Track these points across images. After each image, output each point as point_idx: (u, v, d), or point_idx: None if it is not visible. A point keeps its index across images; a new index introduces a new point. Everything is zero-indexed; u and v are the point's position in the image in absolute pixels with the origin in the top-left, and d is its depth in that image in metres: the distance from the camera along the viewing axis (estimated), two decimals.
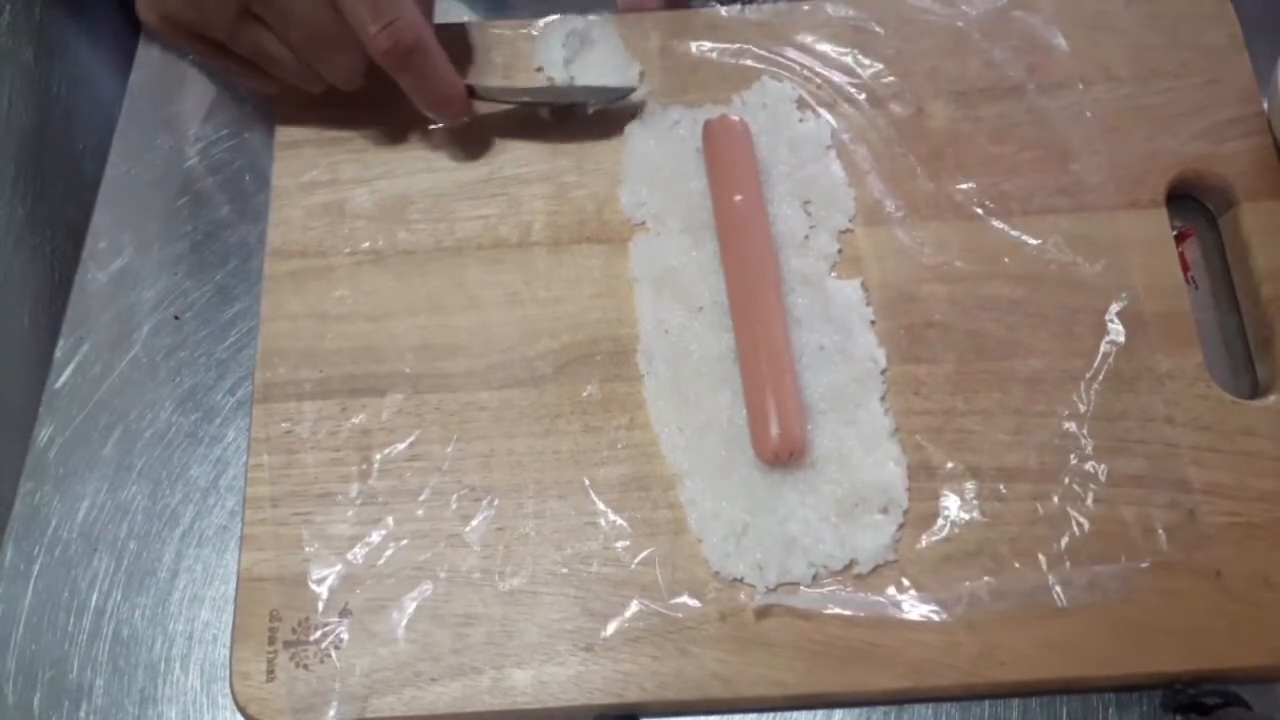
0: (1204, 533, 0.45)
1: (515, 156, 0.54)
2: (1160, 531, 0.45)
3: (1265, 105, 0.53)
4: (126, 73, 0.59)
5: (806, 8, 0.56)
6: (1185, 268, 0.51)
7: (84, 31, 0.61)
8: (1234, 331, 0.51)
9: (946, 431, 0.47)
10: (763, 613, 0.44)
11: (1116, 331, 0.48)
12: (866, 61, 0.55)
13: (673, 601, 0.44)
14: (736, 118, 0.52)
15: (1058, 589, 0.44)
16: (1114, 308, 0.49)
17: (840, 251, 0.51)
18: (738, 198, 0.49)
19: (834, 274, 0.50)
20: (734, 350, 0.48)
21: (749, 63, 0.55)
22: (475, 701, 0.43)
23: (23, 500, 0.49)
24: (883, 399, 0.48)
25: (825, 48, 0.55)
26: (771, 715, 0.44)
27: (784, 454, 0.45)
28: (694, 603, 0.44)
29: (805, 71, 0.54)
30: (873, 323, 0.49)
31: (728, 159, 0.51)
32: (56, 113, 0.58)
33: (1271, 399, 0.48)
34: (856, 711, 0.44)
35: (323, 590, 0.45)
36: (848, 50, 0.55)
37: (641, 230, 0.51)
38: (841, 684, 0.43)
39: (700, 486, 0.46)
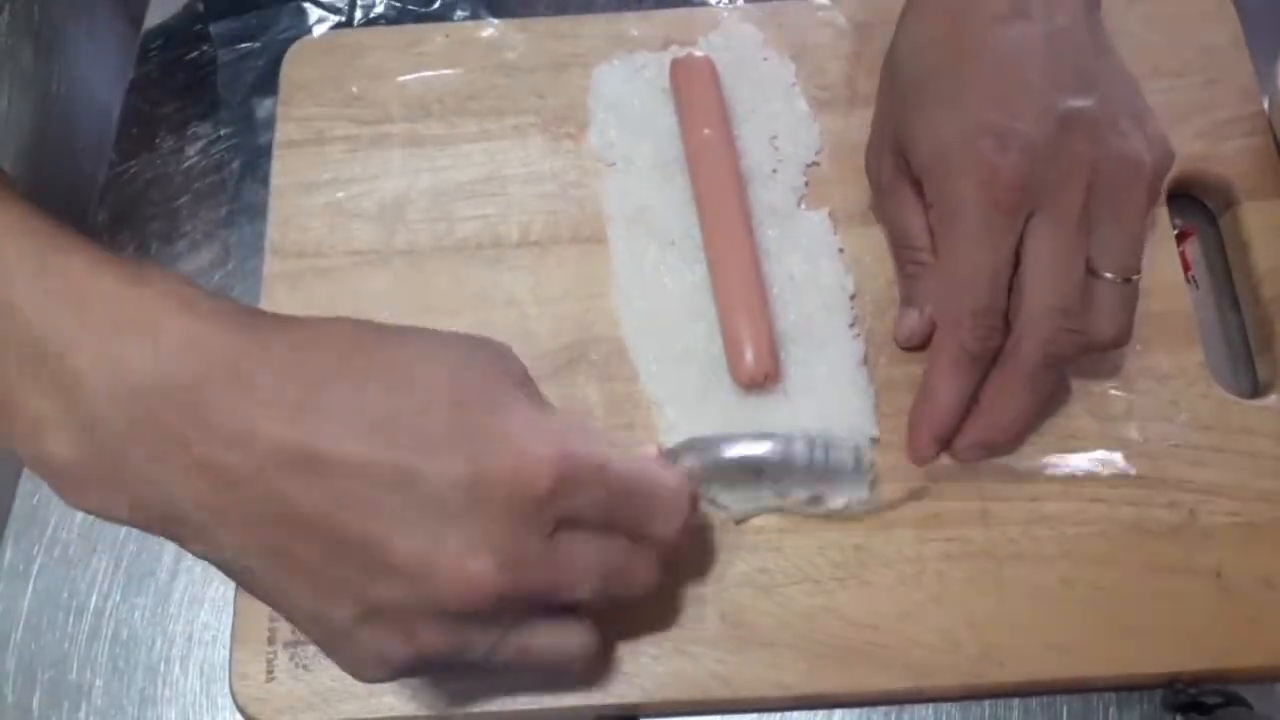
0: (1204, 533, 0.45)
1: (515, 156, 0.54)
2: (1161, 532, 0.45)
3: (1265, 105, 0.53)
4: (126, 73, 0.59)
5: None
6: (1186, 267, 0.51)
7: (84, 31, 0.61)
8: (1234, 331, 0.51)
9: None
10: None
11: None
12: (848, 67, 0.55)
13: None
14: (703, 54, 0.53)
15: (1057, 589, 0.44)
16: None
17: (807, 184, 0.52)
18: (706, 131, 0.50)
19: (802, 206, 0.51)
20: (708, 281, 0.49)
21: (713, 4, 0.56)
22: (475, 702, 0.43)
23: (22, 500, 0.49)
24: (851, 325, 0.48)
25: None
26: (771, 715, 0.44)
27: (759, 377, 0.46)
28: None
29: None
30: (840, 250, 0.50)
31: (696, 95, 0.52)
32: (56, 113, 0.58)
33: (1272, 399, 0.48)
34: (857, 712, 0.44)
35: None
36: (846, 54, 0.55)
37: (613, 170, 0.52)
38: (842, 684, 0.43)
39: (678, 412, 0.47)
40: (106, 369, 0.32)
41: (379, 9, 0.56)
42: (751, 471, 0.44)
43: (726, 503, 0.45)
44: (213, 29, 0.58)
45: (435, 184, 0.53)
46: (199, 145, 0.56)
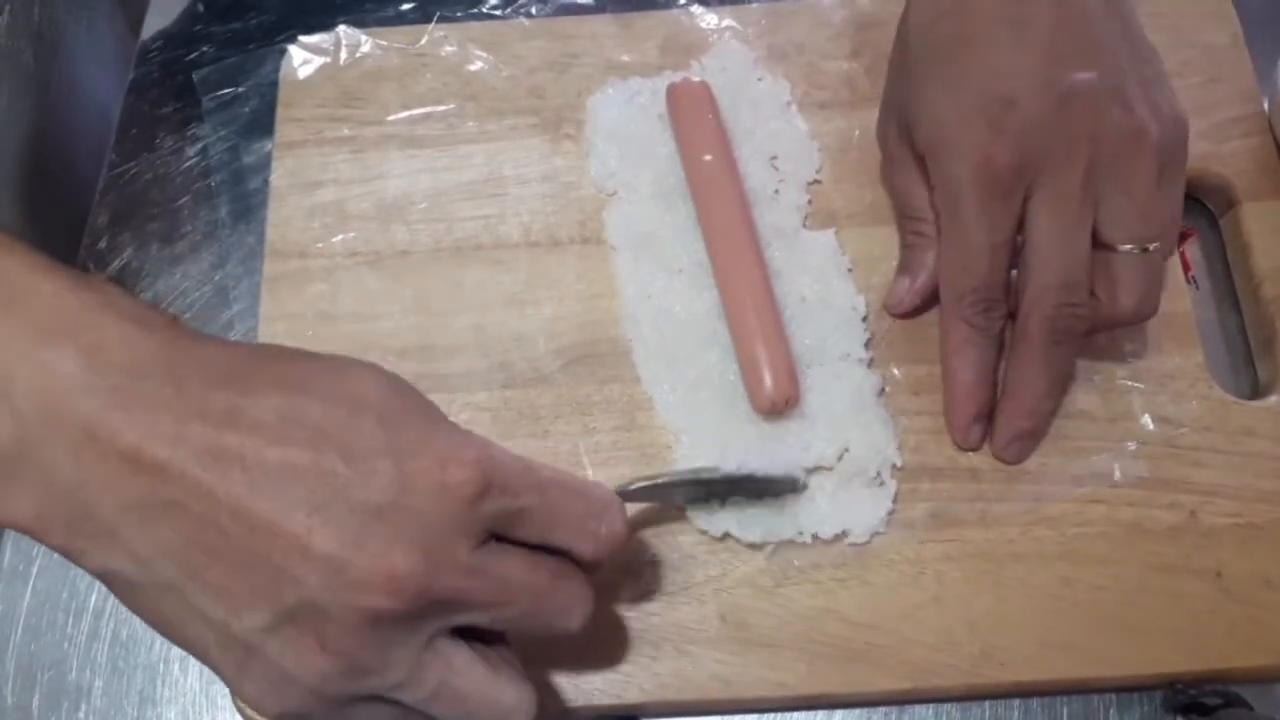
0: (1205, 533, 0.45)
1: (515, 157, 0.54)
2: (1161, 532, 0.45)
3: (1266, 105, 0.53)
4: (126, 73, 0.59)
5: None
6: (1186, 268, 0.51)
7: (84, 31, 0.61)
8: (1235, 331, 0.51)
9: (946, 432, 0.47)
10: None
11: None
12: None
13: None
14: (698, 79, 0.53)
15: (1057, 590, 0.44)
16: None
17: (810, 203, 0.51)
18: (708, 157, 0.50)
19: (806, 225, 0.51)
20: (718, 307, 0.48)
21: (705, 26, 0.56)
22: None
23: None
24: (866, 345, 0.48)
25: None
26: (771, 716, 0.44)
27: (779, 402, 0.45)
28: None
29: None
30: (850, 270, 0.50)
31: (694, 120, 0.51)
32: (55, 113, 0.58)
33: (1272, 399, 0.48)
34: (857, 712, 0.44)
35: None
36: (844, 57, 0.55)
37: (614, 200, 0.52)
38: (842, 684, 0.43)
39: (695, 441, 0.46)
40: (37, 367, 0.32)
41: (365, 49, 0.56)
42: (698, 487, 0.44)
43: (741, 534, 0.45)
44: (195, 76, 0.57)
45: (435, 184, 0.53)
46: (199, 145, 0.56)
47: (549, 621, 0.36)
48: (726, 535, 0.45)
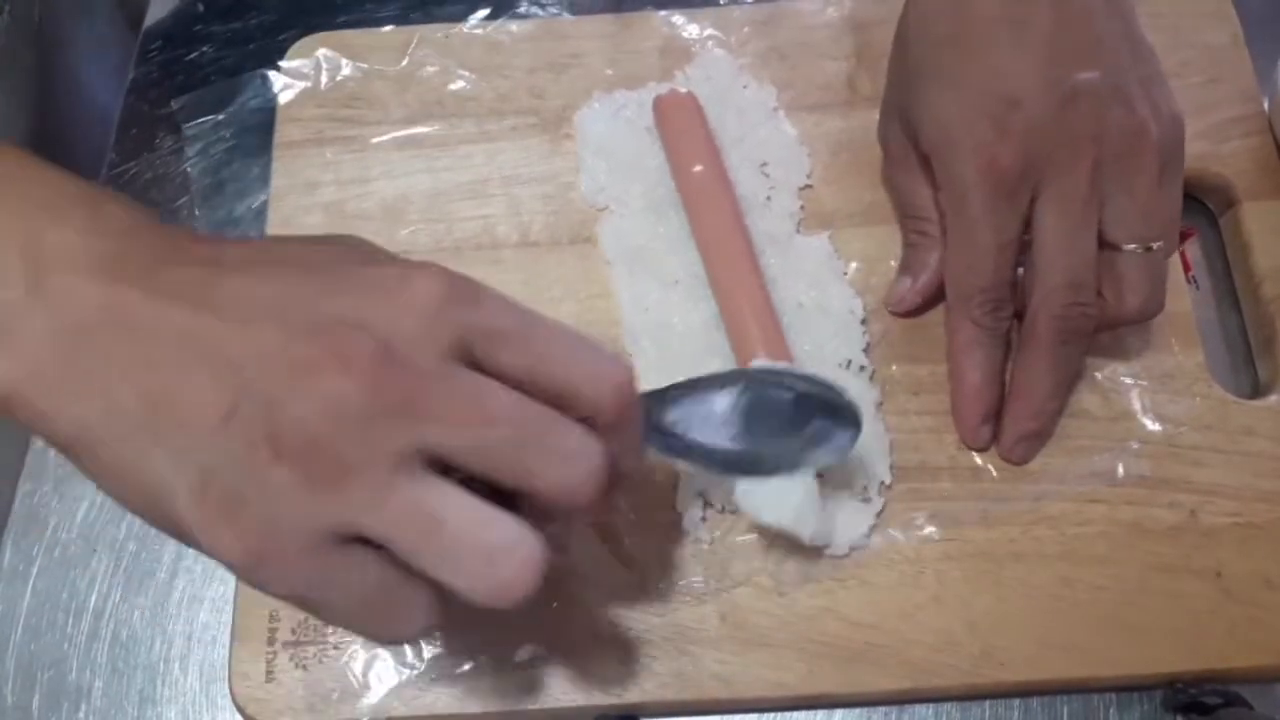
0: (1205, 533, 0.45)
1: (515, 157, 0.54)
2: (1161, 532, 0.45)
3: (1266, 105, 0.53)
4: (125, 72, 0.59)
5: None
6: (1186, 267, 0.51)
7: (84, 32, 0.61)
8: (1235, 331, 0.51)
9: (947, 432, 0.47)
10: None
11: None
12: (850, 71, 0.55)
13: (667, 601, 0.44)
14: (684, 90, 0.53)
15: (1057, 590, 0.44)
16: None
17: (803, 208, 0.51)
18: (698, 167, 0.50)
19: (800, 230, 0.51)
20: (716, 318, 0.48)
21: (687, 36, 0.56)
22: (474, 701, 0.43)
23: (22, 501, 0.49)
24: (865, 351, 0.48)
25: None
26: (771, 715, 0.44)
27: None
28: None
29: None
30: (845, 274, 0.50)
31: (682, 131, 0.51)
32: (55, 113, 0.58)
33: (1273, 399, 0.48)
34: (857, 712, 0.44)
35: None
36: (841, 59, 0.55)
37: (606, 214, 0.52)
38: (842, 684, 0.43)
39: None
40: (30, 237, 0.32)
41: (346, 71, 0.56)
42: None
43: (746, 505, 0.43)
44: (175, 105, 0.56)
45: (434, 185, 0.53)
46: (199, 145, 0.56)
47: (544, 470, 0.31)
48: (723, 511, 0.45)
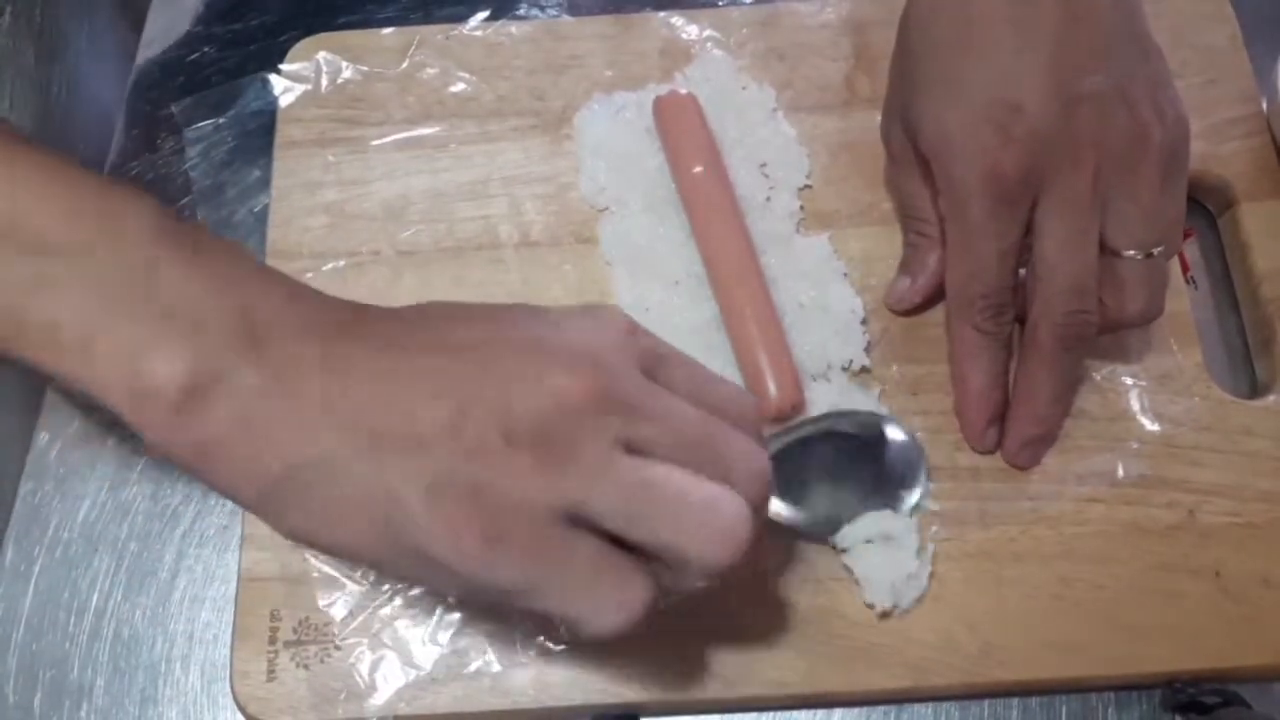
0: (1203, 533, 0.45)
1: (515, 157, 0.54)
2: (1159, 531, 0.45)
3: (1265, 105, 0.53)
4: (126, 73, 0.59)
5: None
6: (1185, 268, 0.51)
7: (84, 32, 0.61)
8: (1233, 331, 0.51)
9: (946, 432, 0.47)
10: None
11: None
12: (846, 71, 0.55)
13: None
14: (684, 91, 0.53)
15: (1057, 589, 0.44)
16: None
17: (802, 208, 0.51)
18: (698, 168, 0.50)
19: (800, 230, 0.51)
20: (717, 319, 0.48)
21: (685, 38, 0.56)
22: (475, 701, 0.43)
23: (23, 500, 0.49)
24: (866, 350, 0.48)
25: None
26: (771, 715, 0.44)
27: (785, 408, 0.45)
28: None
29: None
30: (845, 274, 0.50)
31: (682, 132, 0.51)
32: (56, 113, 0.58)
33: (1271, 399, 0.48)
34: (857, 711, 0.44)
35: (320, 589, 0.45)
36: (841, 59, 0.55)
37: (606, 215, 0.52)
38: (841, 684, 0.43)
39: None
40: (239, 302, 0.34)
41: (346, 74, 0.56)
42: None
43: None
44: (175, 108, 0.56)
45: (435, 185, 0.53)
46: (199, 146, 0.56)
47: (726, 465, 0.35)
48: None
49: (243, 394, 0.32)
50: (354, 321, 0.35)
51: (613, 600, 0.33)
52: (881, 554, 0.44)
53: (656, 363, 0.36)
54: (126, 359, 0.32)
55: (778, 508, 0.43)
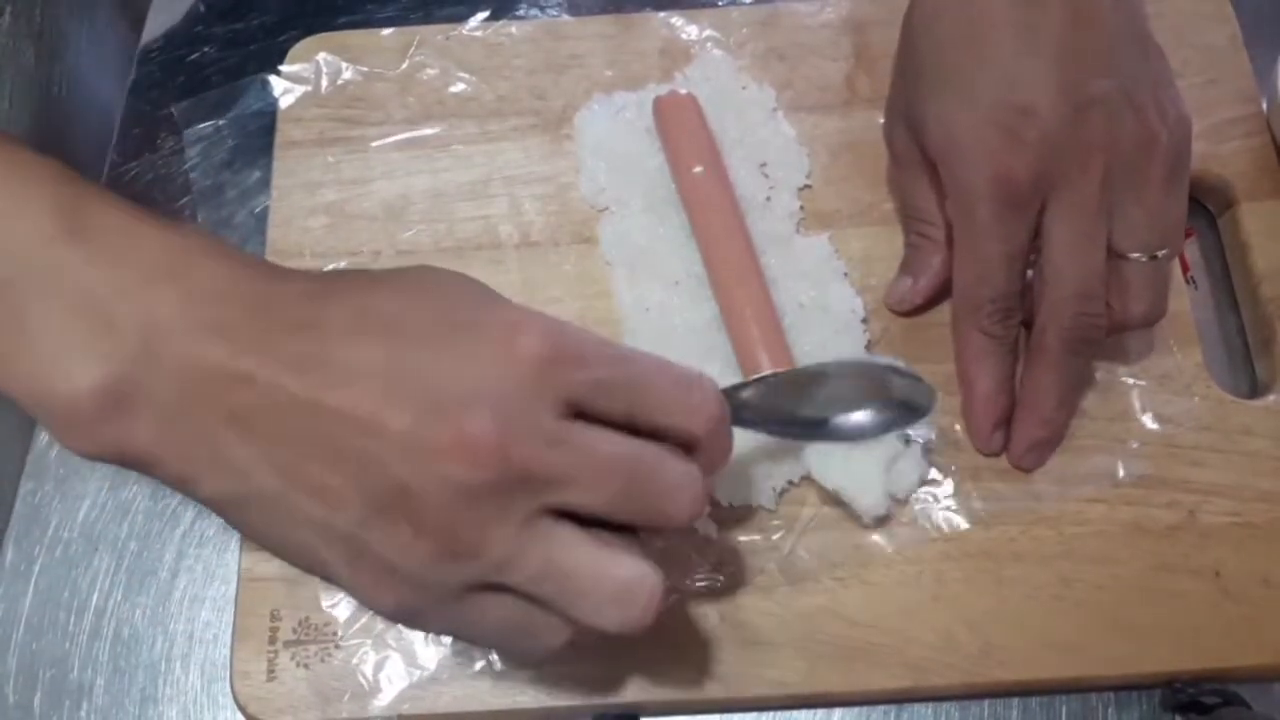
0: (1203, 532, 0.45)
1: (515, 157, 0.54)
2: (1160, 531, 0.45)
3: (1265, 105, 0.53)
4: (126, 73, 0.59)
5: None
6: (1184, 267, 0.51)
7: (84, 32, 0.61)
8: (1233, 331, 0.51)
9: (946, 431, 0.47)
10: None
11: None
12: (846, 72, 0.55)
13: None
14: (684, 91, 0.53)
15: (1057, 589, 0.44)
16: None
17: (802, 208, 0.51)
18: (698, 168, 0.50)
19: (800, 230, 0.51)
20: (717, 319, 0.48)
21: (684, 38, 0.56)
22: (476, 701, 0.43)
23: (23, 500, 0.49)
24: (867, 350, 0.48)
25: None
26: (771, 715, 0.44)
27: None
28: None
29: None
30: (845, 274, 0.50)
31: (682, 132, 0.51)
32: (56, 113, 0.58)
33: (1271, 399, 0.48)
34: (857, 711, 0.44)
35: (324, 590, 0.45)
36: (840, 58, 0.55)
37: (606, 215, 0.52)
38: (841, 684, 0.43)
39: None
40: (141, 306, 0.33)
41: (346, 75, 0.56)
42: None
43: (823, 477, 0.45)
44: (175, 109, 0.56)
45: (435, 185, 0.53)
46: (199, 146, 0.56)
47: (655, 506, 0.34)
48: (795, 483, 0.45)
49: (159, 408, 0.32)
50: (269, 330, 0.33)
51: (526, 648, 0.36)
52: (864, 452, 0.44)
53: (585, 393, 0.33)
54: (39, 365, 0.32)
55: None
